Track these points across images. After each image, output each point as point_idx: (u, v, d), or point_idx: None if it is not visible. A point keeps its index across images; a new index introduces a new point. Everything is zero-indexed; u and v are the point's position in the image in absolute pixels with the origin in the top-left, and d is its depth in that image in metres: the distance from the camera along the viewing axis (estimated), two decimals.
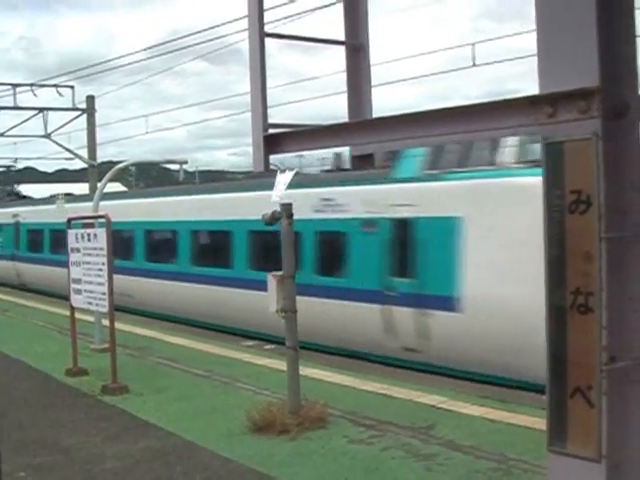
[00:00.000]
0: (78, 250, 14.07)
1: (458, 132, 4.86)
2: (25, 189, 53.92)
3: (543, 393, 4.62)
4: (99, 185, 19.88)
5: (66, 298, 15.39)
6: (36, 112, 34.34)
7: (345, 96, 6.44)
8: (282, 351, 11.72)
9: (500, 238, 13.68)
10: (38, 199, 40.99)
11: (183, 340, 18.04)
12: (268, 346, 16.80)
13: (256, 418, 10.35)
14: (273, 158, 6.23)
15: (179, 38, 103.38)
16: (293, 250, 10.75)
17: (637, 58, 4.51)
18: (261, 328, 18.43)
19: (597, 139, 4.17)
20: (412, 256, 15.35)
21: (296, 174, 11.49)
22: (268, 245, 18.03)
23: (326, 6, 20.43)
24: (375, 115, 6.37)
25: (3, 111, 34.37)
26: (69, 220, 15.20)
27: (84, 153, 34.88)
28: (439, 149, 15.30)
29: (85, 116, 34.46)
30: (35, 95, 34.00)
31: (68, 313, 14.88)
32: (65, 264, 14.97)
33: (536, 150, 11.63)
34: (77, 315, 14.91)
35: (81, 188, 40.48)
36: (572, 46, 4.30)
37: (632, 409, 4.42)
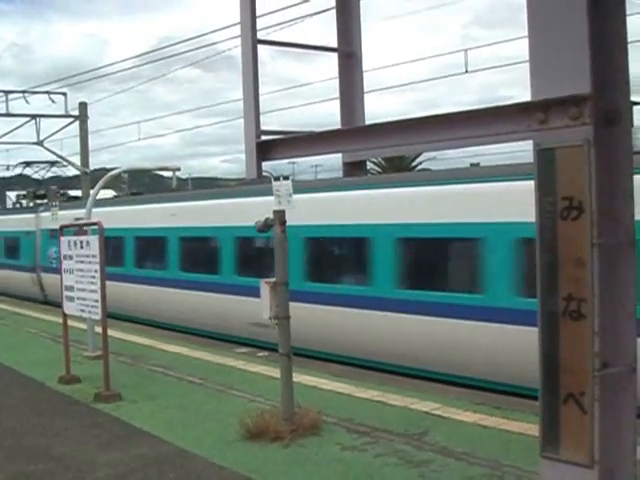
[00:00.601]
0: (71, 257, 14.05)
1: (450, 139, 4.87)
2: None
3: (537, 399, 4.63)
4: (92, 192, 19.85)
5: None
6: (28, 119, 34.32)
7: (337, 103, 6.46)
8: (275, 358, 11.69)
9: None
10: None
11: (177, 348, 18.01)
12: (261, 353, 16.78)
13: (249, 425, 10.33)
14: (266, 165, 6.23)
15: (171, 45, 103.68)
16: (286, 257, 10.74)
17: (628, 65, 4.52)
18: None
19: (589, 146, 4.18)
20: None
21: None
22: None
23: (318, 13, 20.48)
24: (367, 122, 6.39)
25: None
26: (61, 227, 15.18)
27: (76, 160, 34.88)
28: None
29: (77, 123, 34.45)
30: (27, 102, 34.02)
31: (61, 321, 14.83)
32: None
33: None
34: (70, 322, 14.88)
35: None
36: (564, 53, 4.32)
37: (624, 415, 4.43)
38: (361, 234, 16.69)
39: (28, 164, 42.00)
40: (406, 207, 15.86)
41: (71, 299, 14.14)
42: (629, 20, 4.65)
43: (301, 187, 16.91)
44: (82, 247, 13.67)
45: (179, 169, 22.76)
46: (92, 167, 35.61)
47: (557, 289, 4.27)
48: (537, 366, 4.40)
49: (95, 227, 13.87)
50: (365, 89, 6.64)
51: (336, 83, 6.52)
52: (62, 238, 14.63)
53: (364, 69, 6.63)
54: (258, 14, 6.23)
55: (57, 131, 35.42)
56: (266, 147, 6.01)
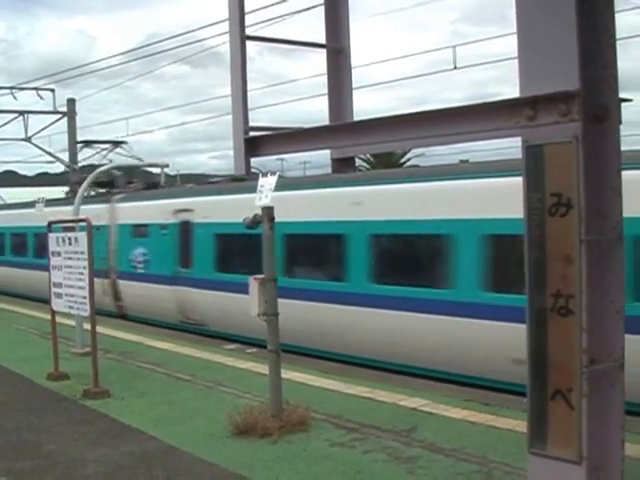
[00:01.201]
0: (59, 254, 14.01)
1: (439, 135, 4.88)
2: (4, 192, 53.07)
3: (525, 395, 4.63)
4: (80, 189, 19.79)
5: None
6: (16, 115, 34.20)
7: (326, 99, 6.46)
8: (264, 355, 11.68)
9: None
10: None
11: (166, 344, 17.97)
12: (250, 349, 16.75)
13: (238, 421, 10.32)
14: (254, 161, 6.23)
15: (158, 41, 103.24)
16: (274, 253, 10.73)
17: (617, 62, 4.53)
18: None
19: (577, 142, 4.19)
20: None
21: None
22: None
23: (307, 9, 20.46)
24: (356, 118, 6.39)
25: None
26: (49, 224, 15.12)
27: (65, 156, 34.78)
28: None
29: (66, 119, 34.36)
30: (15, 98, 33.92)
31: (50, 317, 14.79)
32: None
33: None
34: (59, 319, 14.84)
35: (62, 192, 40.23)
36: (553, 50, 4.32)
37: (612, 411, 4.44)
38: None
39: (88, 143, 34.53)
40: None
41: (59, 295, 14.10)
42: (618, 17, 4.65)
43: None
44: (70, 244, 13.63)
45: (167, 165, 22.80)
46: (80, 163, 35.48)
47: (545, 285, 4.28)
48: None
49: (83, 224, 13.84)
50: (354, 85, 6.64)
51: (324, 79, 6.52)
52: (50, 234, 14.55)
53: (352, 65, 6.64)
54: (246, 10, 6.23)
55: (45, 127, 35.33)
56: (254, 143, 6.00)
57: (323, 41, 6.65)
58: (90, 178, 19.00)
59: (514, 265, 12.26)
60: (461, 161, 22.63)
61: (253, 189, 11.23)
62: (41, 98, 33.75)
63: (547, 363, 4.31)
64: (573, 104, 4.16)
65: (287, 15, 23.48)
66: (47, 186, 59.80)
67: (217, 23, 26.49)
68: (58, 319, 14.80)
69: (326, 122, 6.49)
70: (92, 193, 28.95)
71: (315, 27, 6.80)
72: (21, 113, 34.07)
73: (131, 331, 20.24)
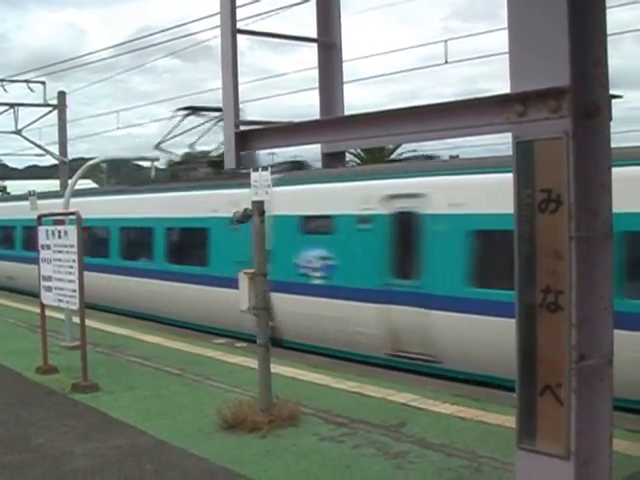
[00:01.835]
0: (48, 247, 13.98)
1: (429, 130, 4.87)
2: None
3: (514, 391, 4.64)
4: (70, 182, 19.73)
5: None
6: (7, 108, 34.11)
7: (317, 93, 6.45)
8: (254, 349, 11.68)
9: None
10: None
11: (156, 338, 17.95)
12: (240, 344, 16.75)
13: (227, 416, 10.32)
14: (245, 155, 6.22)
15: (149, 35, 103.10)
16: (265, 247, 10.72)
17: (608, 59, 4.53)
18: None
19: (567, 138, 4.19)
20: None
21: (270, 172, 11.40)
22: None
23: (298, 4, 20.44)
24: (347, 113, 6.38)
25: None
26: (39, 217, 15.08)
27: (55, 149, 34.71)
28: None
29: (56, 112, 34.28)
30: (5, 90, 33.82)
31: (39, 311, 14.75)
32: None
33: None
34: (48, 312, 14.81)
35: (52, 185, 40.13)
36: (543, 46, 4.32)
37: (601, 407, 4.45)
38: None
39: (195, 110, 26.12)
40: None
41: (49, 289, 14.07)
42: (608, 13, 4.66)
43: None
44: (60, 237, 13.60)
45: (158, 159, 22.70)
46: (70, 156, 35.44)
47: (535, 281, 4.28)
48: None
49: (73, 217, 13.81)
50: (345, 80, 6.64)
51: (315, 74, 6.51)
52: (40, 227, 14.51)
53: (344, 60, 6.63)
54: (237, 4, 6.22)
55: (36, 120, 35.22)
56: (245, 137, 5.99)
57: (314, 35, 6.64)
58: (80, 172, 18.92)
59: None
60: (451, 157, 22.60)
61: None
62: (31, 91, 33.68)
63: (536, 359, 4.32)
64: (563, 100, 4.17)
65: (279, 9, 23.43)
66: (37, 179, 59.66)
67: (208, 17, 26.46)
68: (47, 312, 14.77)
69: (317, 117, 6.47)
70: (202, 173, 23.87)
71: (306, 22, 6.80)
72: (11, 106, 33.97)
73: (120, 325, 20.20)
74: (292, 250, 17.58)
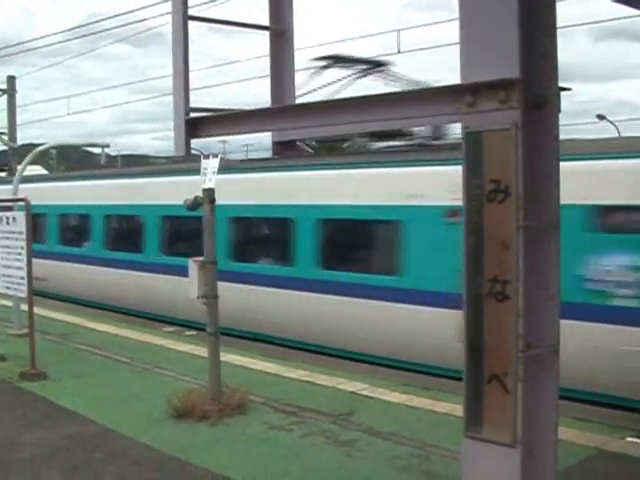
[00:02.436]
0: None
1: (380, 119, 4.89)
2: None
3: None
4: (19, 168, 19.51)
5: None
6: None
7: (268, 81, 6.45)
8: (203, 337, 11.65)
9: None
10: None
11: (105, 326, 17.82)
12: (189, 332, 16.70)
13: (177, 404, 10.29)
14: (196, 143, 6.20)
15: (99, 20, 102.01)
16: (214, 235, 10.68)
17: (557, 51, 4.58)
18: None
19: (516, 129, 4.23)
20: None
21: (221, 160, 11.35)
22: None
23: None
24: (297, 102, 6.39)
25: None
26: None
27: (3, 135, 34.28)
28: None
29: (5, 97, 33.87)
30: None
31: None
32: None
33: None
34: None
35: None
36: (494, 37, 4.35)
37: (547, 395, 4.51)
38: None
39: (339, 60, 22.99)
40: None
41: None
42: (559, 6, 4.70)
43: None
44: (8, 223, 13.45)
45: (108, 146, 22.52)
46: (20, 142, 35.00)
47: (482, 271, 4.32)
48: None
49: (22, 203, 13.66)
50: (297, 68, 6.64)
51: (268, 61, 6.51)
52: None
53: (296, 48, 6.63)
54: None
55: None
56: (195, 125, 5.97)
57: (266, 23, 6.63)
58: (29, 157, 18.72)
59: None
60: None
61: None
62: None
63: (483, 348, 4.37)
64: (513, 92, 4.20)
65: None
66: None
67: (160, 3, 26.29)
68: None
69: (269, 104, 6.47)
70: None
71: (260, 9, 6.78)
72: None
73: (69, 312, 20.02)
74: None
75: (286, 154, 6.84)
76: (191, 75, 6.06)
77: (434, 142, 15.19)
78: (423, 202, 13.65)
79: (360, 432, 9.57)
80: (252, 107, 5.82)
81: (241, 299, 16.24)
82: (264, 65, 6.53)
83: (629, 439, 9.08)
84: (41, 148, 20.28)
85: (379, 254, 15.56)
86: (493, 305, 4.28)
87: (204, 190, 10.56)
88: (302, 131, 6.28)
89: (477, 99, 4.31)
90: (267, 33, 6.55)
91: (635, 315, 10.98)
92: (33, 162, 20.64)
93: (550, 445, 4.54)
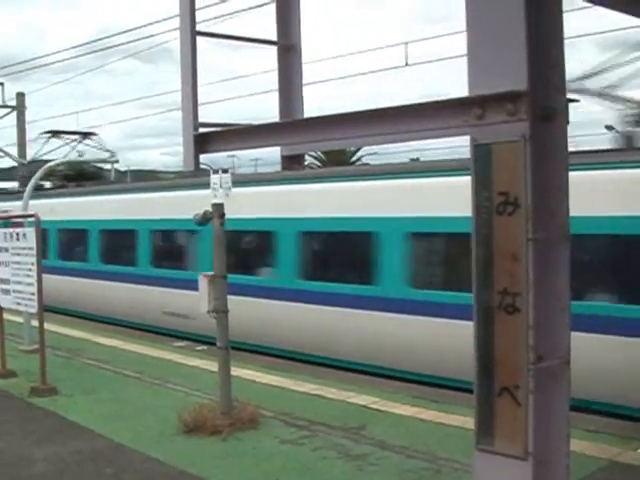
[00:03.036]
0: (6, 250, 13.84)
1: (388, 133, 4.89)
2: None
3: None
4: (29, 184, 19.57)
5: None
6: None
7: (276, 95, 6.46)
8: (213, 352, 11.65)
9: None
10: None
11: (115, 341, 17.84)
12: (200, 347, 16.69)
13: (187, 419, 10.29)
14: (205, 158, 6.21)
15: (108, 37, 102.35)
16: (225, 250, 10.68)
17: (565, 62, 4.58)
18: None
19: (525, 141, 4.22)
20: None
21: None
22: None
23: (259, 6, 20.41)
24: (308, 115, 6.39)
25: None
26: None
27: (13, 151, 34.41)
28: None
29: (15, 113, 34.00)
30: None
31: None
32: None
33: None
34: (6, 316, 14.67)
35: (10, 187, 39.69)
36: (501, 49, 4.35)
37: (558, 407, 4.49)
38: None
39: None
40: None
41: (7, 292, 13.94)
42: (566, 17, 4.70)
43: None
44: (18, 239, 13.48)
45: (117, 161, 22.61)
46: (29, 158, 35.12)
47: (492, 283, 4.31)
48: None
49: (32, 219, 13.70)
50: (305, 82, 6.65)
51: (275, 75, 6.52)
52: None
53: (304, 62, 6.64)
54: (197, 6, 6.21)
55: None
56: (204, 139, 5.98)
57: (274, 38, 6.64)
58: (39, 173, 18.78)
59: None
60: (412, 160, 22.28)
61: None
62: None
63: (494, 360, 4.35)
64: (521, 104, 4.20)
65: (238, 12, 23.39)
66: None
67: (168, 19, 26.39)
68: (5, 316, 14.64)
69: (278, 119, 6.48)
70: None
71: (268, 23, 6.80)
72: None
73: (79, 328, 20.05)
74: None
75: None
76: (199, 90, 6.08)
77: None
78: None
79: (371, 446, 9.54)
80: (261, 121, 5.84)
81: None
82: (273, 79, 6.55)
83: None
84: (51, 164, 20.36)
85: None
86: (503, 317, 4.27)
87: (213, 205, 10.56)
88: (311, 145, 6.29)
89: (485, 111, 4.31)
90: (275, 48, 6.57)
91: None
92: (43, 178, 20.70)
93: (562, 457, 4.53)
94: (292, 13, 6.58)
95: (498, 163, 4.30)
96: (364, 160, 47.52)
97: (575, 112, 4.87)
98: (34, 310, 13.24)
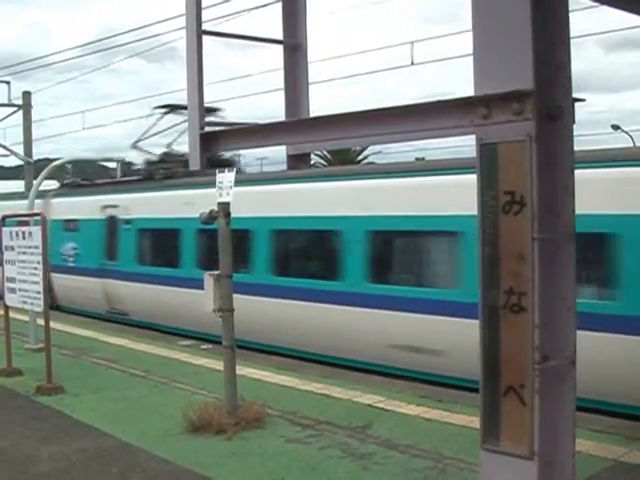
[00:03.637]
0: (12, 248, 13.87)
1: (394, 132, 4.89)
2: None
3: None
4: (35, 182, 19.60)
5: None
6: None
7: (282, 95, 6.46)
8: (219, 351, 11.65)
9: None
10: None
11: (121, 340, 17.85)
12: (205, 345, 16.71)
13: (193, 418, 10.29)
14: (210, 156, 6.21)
15: (114, 36, 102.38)
16: (231, 249, 10.68)
17: (571, 62, 4.57)
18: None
19: (531, 141, 4.22)
20: None
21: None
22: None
23: (265, 6, 20.42)
24: (314, 114, 6.39)
25: None
26: (3, 217, 14.96)
27: (20, 150, 34.41)
28: None
29: (20, 112, 33.99)
30: None
31: (2, 312, 14.64)
32: None
33: None
34: (12, 314, 14.68)
35: (17, 185, 39.72)
36: (507, 48, 4.35)
37: (564, 407, 4.48)
38: None
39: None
40: None
41: (13, 290, 13.96)
42: (572, 17, 4.70)
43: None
44: (24, 238, 13.50)
45: (123, 160, 22.58)
46: (35, 157, 35.13)
47: (498, 283, 4.31)
48: None
49: (38, 218, 13.72)
50: (311, 81, 6.65)
51: (281, 75, 6.53)
52: (4, 228, 14.37)
53: (310, 61, 6.64)
54: (203, 6, 6.22)
55: (0, 120, 34.87)
56: (210, 138, 5.99)
57: (280, 37, 6.65)
58: (45, 172, 18.81)
59: None
60: (417, 159, 22.17)
61: None
62: None
63: (499, 360, 4.35)
64: (527, 103, 4.20)
65: (245, 11, 23.37)
66: (1, 179, 58.99)
67: (173, 18, 26.41)
68: (11, 314, 14.65)
69: (283, 118, 6.49)
70: None
71: (274, 23, 6.81)
72: None
73: (85, 327, 20.07)
74: None
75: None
76: (205, 89, 6.09)
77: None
78: None
79: (377, 445, 9.54)
80: (267, 121, 5.84)
81: None
82: (280, 79, 6.55)
83: None
84: (57, 163, 20.41)
85: None
86: (509, 317, 4.27)
87: (219, 204, 10.55)
88: (317, 144, 6.30)
89: (491, 111, 4.31)
90: (281, 47, 6.58)
91: None
92: (49, 177, 20.71)
93: (567, 457, 4.52)
94: (298, 13, 6.58)
95: (504, 162, 4.30)
96: (370, 159, 47.60)
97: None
98: (40, 309, 13.26)
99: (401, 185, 14.62)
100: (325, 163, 44.53)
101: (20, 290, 13.70)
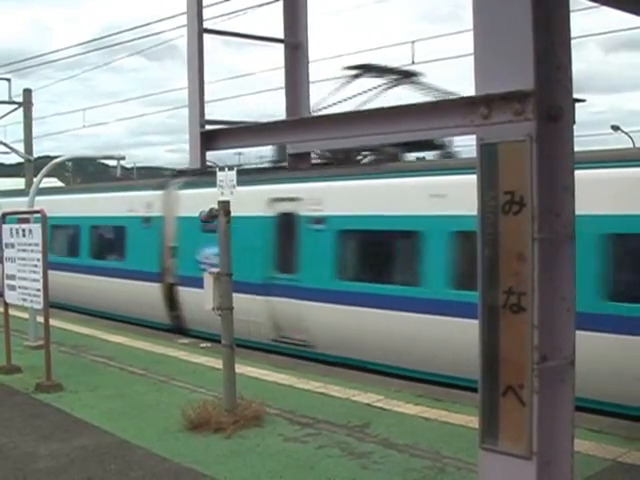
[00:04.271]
0: (12, 246, 13.88)
1: (394, 132, 4.89)
2: None
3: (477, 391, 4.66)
4: (35, 180, 19.60)
5: None
6: None
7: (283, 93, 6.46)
8: (218, 349, 11.66)
9: None
10: None
11: (120, 338, 17.87)
12: (204, 344, 16.71)
13: (192, 416, 10.30)
14: (211, 155, 6.21)
15: (115, 33, 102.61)
16: (230, 248, 10.68)
17: (572, 63, 4.57)
18: None
19: (531, 141, 4.22)
20: None
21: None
22: None
23: (266, 4, 20.41)
24: (313, 113, 6.41)
25: None
26: (3, 215, 14.96)
27: (20, 147, 34.40)
28: None
29: (21, 110, 33.99)
30: None
31: (2, 310, 14.64)
32: None
33: None
34: (12, 312, 14.69)
35: (17, 183, 39.72)
36: (508, 49, 4.35)
37: (563, 407, 4.49)
38: None
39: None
40: None
41: (12, 288, 13.97)
42: (572, 17, 4.70)
43: None
44: (24, 235, 13.50)
45: (124, 158, 22.61)
46: (36, 155, 35.12)
47: (498, 283, 4.31)
48: None
49: (38, 215, 13.73)
50: (311, 80, 6.65)
51: (282, 74, 6.52)
52: (4, 226, 14.38)
53: (310, 60, 6.64)
54: (204, 4, 6.22)
55: (0, 117, 34.87)
56: (210, 137, 5.99)
57: (281, 36, 6.65)
58: (45, 170, 18.81)
59: None
60: (417, 159, 21.70)
61: None
62: None
63: (499, 359, 4.35)
64: (527, 103, 4.19)
65: (246, 9, 23.35)
66: (1, 177, 59.02)
67: (174, 16, 26.38)
68: (11, 312, 14.65)
69: (283, 117, 6.48)
70: None
71: (274, 21, 6.81)
72: None
73: (84, 324, 20.08)
74: None
75: None
76: (206, 88, 6.09)
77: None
78: None
79: (375, 444, 9.55)
80: (267, 119, 5.84)
81: None
82: (280, 77, 6.55)
83: None
84: (57, 160, 20.42)
85: None
86: (508, 317, 4.27)
87: (219, 202, 10.56)
88: (317, 143, 6.29)
89: (491, 111, 4.31)
90: (282, 46, 6.58)
91: None
92: (49, 174, 20.70)
93: (566, 457, 4.52)
94: (299, 11, 6.58)
95: (504, 162, 4.30)
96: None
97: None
98: (39, 306, 13.27)
99: None
100: (326, 162, 44.35)
101: (20, 287, 13.70)
